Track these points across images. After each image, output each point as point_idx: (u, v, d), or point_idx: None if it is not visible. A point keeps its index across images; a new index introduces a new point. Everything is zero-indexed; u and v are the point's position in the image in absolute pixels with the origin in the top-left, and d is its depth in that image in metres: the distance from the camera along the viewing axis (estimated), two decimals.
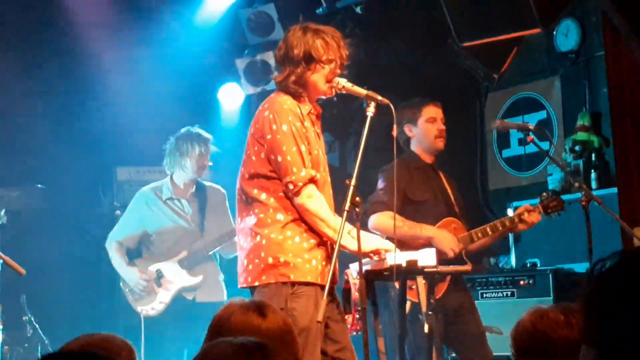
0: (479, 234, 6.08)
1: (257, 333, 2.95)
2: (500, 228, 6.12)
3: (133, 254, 7.82)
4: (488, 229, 6.10)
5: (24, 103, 8.74)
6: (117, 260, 7.72)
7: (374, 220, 5.91)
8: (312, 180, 4.81)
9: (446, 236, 5.98)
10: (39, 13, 8.97)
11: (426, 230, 5.94)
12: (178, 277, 7.64)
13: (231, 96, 9.73)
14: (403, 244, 5.52)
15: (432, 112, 6.29)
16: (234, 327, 3.08)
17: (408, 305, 5.56)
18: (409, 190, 6.10)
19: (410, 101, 6.34)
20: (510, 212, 7.77)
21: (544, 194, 6.33)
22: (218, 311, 3.22)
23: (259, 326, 3.06)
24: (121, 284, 7.81)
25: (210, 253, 7.61)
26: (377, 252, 4.91)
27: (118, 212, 8.71)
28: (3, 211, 7.46)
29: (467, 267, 5.75)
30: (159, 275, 7.63)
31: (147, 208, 7.76)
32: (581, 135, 7.89)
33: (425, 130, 6.26)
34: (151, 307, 7.64)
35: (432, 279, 5.17)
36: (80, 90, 9.09)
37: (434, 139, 6.25)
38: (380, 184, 6.10)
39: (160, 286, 7.64)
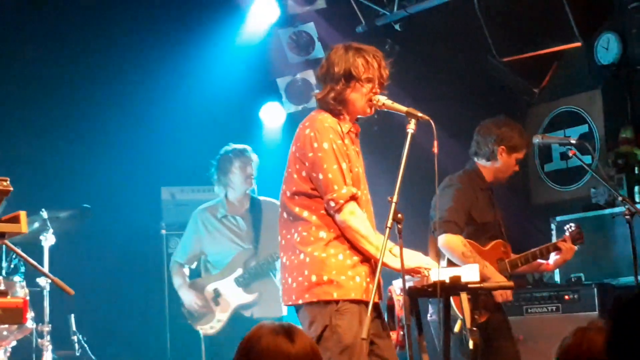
0: (522, 260, 6.09)
1: (285, 358, 2.96)
2: (539, 255, 6.15)
3: (194, 274, 7.94)
4: (530, 256, 6.14)
5: (70, 125, 8.83)
6: (177, 282, 7.89)
7: (445, 240, 5.86)
8: (354, 198, 4.79)
9: (498, 277, 5.94)
10: (83, 40, 9.06)
11: (487, 270, 5.87)
12: (234, 295, 7.69)
13: (273, 115, 9.76)
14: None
15: (524, 155, 6.31)
16: (262, 350, 3.09)
17: (459, 323, 5.54)
18: (475, 211, 6.08)
19: (519, 128, 6.32)
20: (553, 227, 7.76)
21: (571, 225, 6.30)
22: (248, 333, 3.23)
23: (288, 351, 3.06)
24: (182, 305, 7.90)
25: (265, 268, 7.62)
26: (418, 270, 4.89)
27: (163, 231, 8.80)
28: (51, 231, 7.54)
29: (510, 283, 5.72)
30: (216, 294, 7.70)
31: (203, 227, 7.85)
32: (624, 148, 7.84)
33: (510, 166, 6.25)
34: (210, 326, 7.73)
35: (476, 295, 5.12)
36: (125, 112, 9.14)
37: (507, 177, 6.30)
38: (448, 200, 6.03)
39: (217, 305, 7.72)
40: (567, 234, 6.24)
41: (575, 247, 6.20)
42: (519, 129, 6.31)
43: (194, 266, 7.91)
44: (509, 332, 6.09)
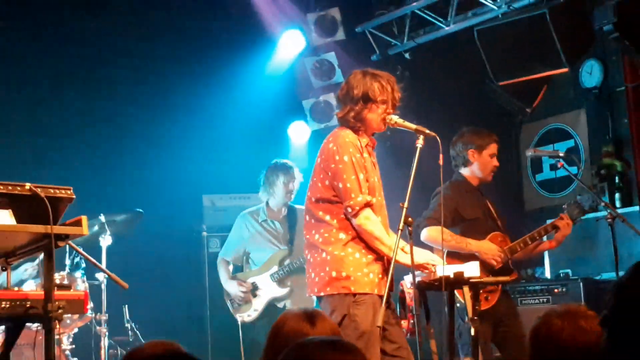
0: (521, 244, 6.02)
1: (304, 338, 2.95)
2: (537, 237, 6.06)
3: (237, 269, 7.94)
4: (528, 239, 6.05)
5: (125, 141, 8.88)
6: (222, 276, 7.90)
7: (425, 232, 5.85)
8: (368, 205, 4.83)
9: (490, 248, 5.91)
10: (145, 67, 9.11)
11: (471, 245, 5.88)
12: (269, 288, 7.71)
13: (299, 132, 9.77)
14: (452, 256, 5.50)
15: (495, 148, 6.23)
16: (287, 332, 3.10)
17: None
18: (461, 209, 6.04)
19: (480, 130, 6.27)
20: None
21: (565, 205, 6.25)
22: (278, 318, 3.24)
23: (308, 333, 3.06)
24: (225, 296, 7.92)
25: (298, 266, 7.59)
26: (426, 266, 4.90)
27: (204, 233, 8.82)
28: (108, 233, 7.56)
29: (513, 275, 5.71)
30: (255, 287, 7.73)
31: (246, 230, 7.87)
32: (606, 161, 7.80)
33: (486, 163, 6.19)
34: (247, 314, 7.76)
35: (477, 288, 5.10)
36: (173, 129, 9.19)
37: (489, 172, 6.21)
38: (434, 204, 6.03)
39: (255, 296, 7.75)
40: (565, 212, 6.17)
41: (570, 222, 6.11)
42: (479, 130, 6.28)
43: (236, 262, 7.92)
44: (516, 317, 6.03)
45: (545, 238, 6.29)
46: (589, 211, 6.22)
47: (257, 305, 7.72)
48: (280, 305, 7.69)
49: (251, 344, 7.66)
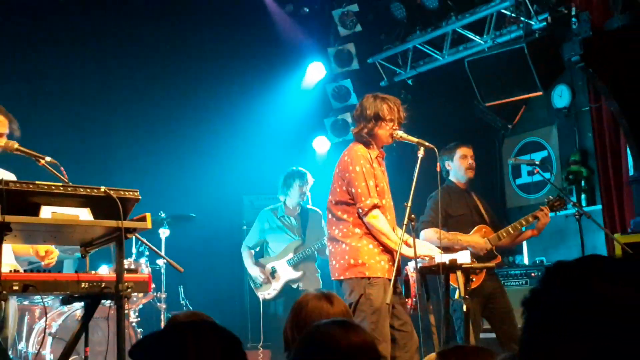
0: (504, 234, 5.97)
1: (326, 315, 2.96)
2: (518, 226, 6.02)
3: (258, 255, 7.94)
4: (510, 229, 5.99)
5: (180, 151, 8.90)
6: (246, 261, 7.90)
7: (423, 234, 5.87)
8: (376, 206, 4.85)
9: (477, 241, 5.90)
10: (196, 83, 9.12)
11: (461, 240, 5.87)
12: (286, 272, 7.70)
13: (321, 144, 9.78)
14: (447, 249, 5.49)
15: (463, 151, 6.21)
16: (309, 310, 3.10)
17: (457, 293, 5.50)
18: (450, 209, 6.03)
19: (449, 145, 6.27)
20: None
21: (549, 197, 6.21)
22: (299, 298, 3.24)
23: (328, 311, 3.07)
24: (248, 278, 7.95)
25: (309, 254, 7.61)
26: (426, 255, 4.91)
27: (244, 227, 8.83)
28: (167, 227, 7.60)
29: (497, 259, 5.68)
30: (273, 271, 7.72)
31: (267, 223, 7.88)
32: (573, 168, 7.77)
33: (458, 166, 6.19)
34: (267, 292, 7.76)
35: (468, 272, 5.09)
36: (218, 141, 9.20)
37: (465, 171, 6.18)
38: (429, 207, 6.04)
39: (273, 278, 7.74)
40: (545, 204, 6.11)
41: (548, 213, 6.05)
42: (448, 145, 6.25)
43: (257, 250, 7.93)
44: (502, 294, 5.97)
45: (526, 228, 6.23)
46: (564, 204, 6.16)
47: (276, 286, 7.72)
48: (294, 285, 7.69)
49: (271, 317, 7.82)
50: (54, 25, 8.31)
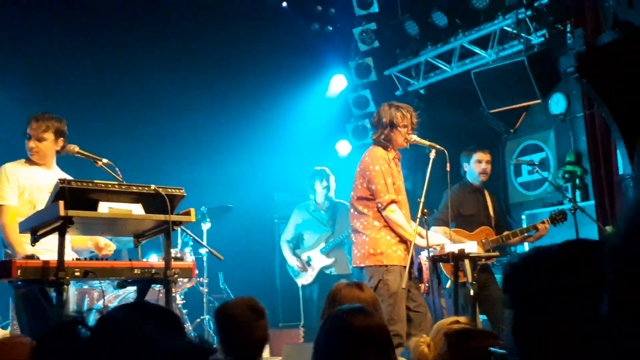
0: (504, 238, 5.89)
1: (357, 300, 2.99)
2: (519, 233, 5.94)
3: (295, 247, 7.94)
4: (510, 234, 5.90)
5: (221, 154, 8.92)
6: (285, 253, 7.93)
7: (432, 230, 5.82)
8: (393, 201, 4.86)
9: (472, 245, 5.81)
10: (237, 91, 9.16)
11: (463, 241, 5.81)
12: (319, 260, 7.73)
13: (343, 147, 9.76)
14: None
15: (479, 156, 6.15)
16: (343, 295, 3.12)
17: (450, 282, 5.46)
18: (461, 208, 5.99)
19: (469, 147, 6.22)
20: (523, 217, 7.62)
21: (552, 211, 6.08)
22: (333, 286, 3.26)
23: (359, 296, 3.09)
24: (287, 266, 7.97)
25: (339, 243, 7.63)
26: (437, 245, 4.90)
27: (276, 220, 8.86)
28: (208, 220, 7.63)
29: (496, 254, 5.64)
30: (309, 259, 7.76)
31: (300, 218, 7.90)
32: (569, 167, 7.69)
33: (473, 169, 6.14)
34: (304, 279, 7.81)
35: (475, 261, 5.07)
36: (255, 142, 9.23)
37: (478, 175, 6.13)
38: (443, 202, 5.98)
39: (309, 266, 7.77)
40: (547, 217, 6.02)
41: (548, 226, 5.97)
42: (468, 148, 6.20)
43: (294, 242, 7.95)
44: (494, 284, 5.92)
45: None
46: (564, 218, 6.06)
47: (312, 273, 7.75)
48: (327, 271, 7.71)
49: (307, 300, 7.77)
50: (106, 37, 8.33)
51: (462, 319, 2.81)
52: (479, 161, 6.13)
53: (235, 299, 3.31)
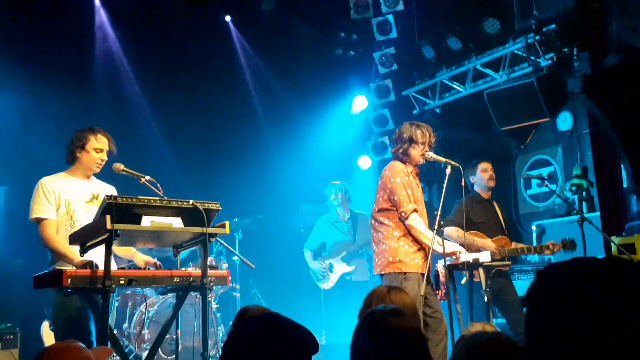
0: (519, 249, 5.83)
1: (404, 304, 2.99)
2: (532, 249, 5.87)
3: (317, 255, 7.95)
4: (525, 249, 5.83)
5: (253, 170, 8.97)
6: (309, 259, 7.93)
7: (446, 231, 5.79)
8: (415, 210, 4.82)
9: (489, 244, 5.74)
10: (271, 112, 9.23)
11: (477, 241, 5.77)
12: (340, 267, 7.71)
13: (364, 162, 9.76)
14: (467, 248, 5.42)
15: (483, 166, 6.14)
16: (379, 300, 3.12)
17: (464, 279, 5.40)
18: (472, 215, 5.95)
19: (471, 162, 6.21)
20: (533, 228, 7.54)
21: (564, 238, 5.98)
22: (370, 291, 3.26)
23: (406, 301, 3.10)
24: (310, 272, 7.96)
25: (359, 251, 7.60)
26: (453, 253, 4.85)
27: (302, 230, 8.87)
28: (240, 230, 7.68)
29: (508, 262, 5.59)
30: (330, 266, 7.75)
31: (323, 228, 7.91)
32: (576, 180, 7.61)
33: (480, 179, 6.12)
34: (327, 284, 7.78)
35: (488, 269, 5.03)
36: (283, 158, 9.28)
37: (487, 181, 6.10)
38: (454, 210, 5.97)
39: (331, 272, 7.75)
40: (560, 242, 5.91)
41: (558, 249, 5.87)
42: (471, 164, 6.16)
43: (317, 250, 7.96)
44: (512, 288, 5.87)
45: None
46: (574, 247, 5.98)
47: (333, 278, 7.73)
48: (347, 277, 7.69)
49: (329, 306, 7.80)
50: (142, 51, 8.40)
51: (487, 326, 2.80)
52: (485, 170, 6.13)
53: (251, 306, 3.33)
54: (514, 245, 5.90)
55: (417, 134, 4.95)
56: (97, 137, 4.43)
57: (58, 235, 4.17)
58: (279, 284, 8.36)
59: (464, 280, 5.59)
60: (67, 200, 4.32)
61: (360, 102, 9.66)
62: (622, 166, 6.60)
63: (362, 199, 7.85)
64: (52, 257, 4.23)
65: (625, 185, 6.58)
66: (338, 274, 7.70)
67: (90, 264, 3.68)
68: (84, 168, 4.45)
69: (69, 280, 3.50)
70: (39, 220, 4.23)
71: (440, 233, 4.74)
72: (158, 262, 4.26)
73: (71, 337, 3.31)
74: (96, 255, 3.83)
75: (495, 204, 6.21)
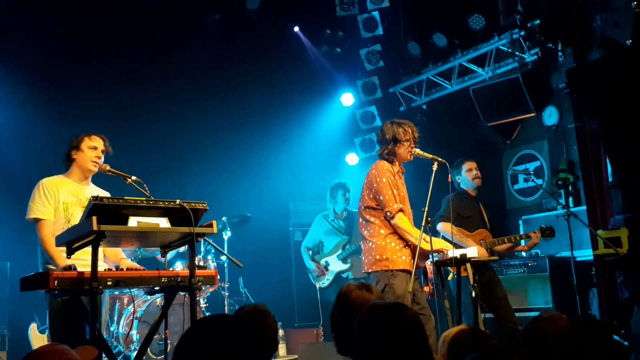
0: (499, 241, 5.90)
1: (367, 301, 2.95)
2: (512, 239, 5.93)
3: (315, 252, 7.97)
4: (506, 239, 5.91)
5: (240, 169, 8.97)
6: (305, 258, 7.96)
7: (440, 226, 5.83)
8: (400, 210, 4.83)
9: (479, 249, 5.78)
10: (256, 113, 9.19)
11: (468, 240, 5.81)
12: (336, 265, 7.75)
13: (352, 159, 9.77)
14: (457, 245, 5.44)
15: (468, 165, 6.17)
16: (353, 297, 3.08)
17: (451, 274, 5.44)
18: (460, 210, 5.98)
19: (455, 162, 6.23)
20: (520, 222, 7.59)
21: (543, 226, 6.07)
22: (342, 288, 3.21)
23: (369, 298, 3.05)
24: (307, 271, 7.97)
25: (355, 249, 7.62)
26: (441, 250, 4.86)
27: (291, 228, 8.87)
28: (228, 229, 7.65)
29: (495, 257, 5.61)
30: (327, 264, 7.78)
31: (320, 226, 7.93)
32: (562, 175, 7.67)
33: (466, 177, 6.15)
34: (322, 282, 7.82)
35: (476, 265, 5.04)
36: (270, 156, 9.27)
37: (472, 180, 6.13)
38: (444, 206, 5.99)
39: (327, 271, 7.78)
40: (538, 228, 6.03)
41: (540, 236, 5.97)
42: (455, 163, 6.17)
43: (314, 248, 7.97)
44: (499, 283, 5.91)
45: (523, 242, 6.15)
46: (553, 234, 6.05)
47: (329, 277, 7.76)
48: (344, 275, 7.72)
49: (325, 302, 7.75)
50: (130, 58, 8.35)
51: (464, 327, 2.82)
52: (470, 169, 6.15)
53: (245, 306, 3.33)
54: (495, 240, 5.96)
55: (399, 133, 4.95)
56: (91, 137, 4.51)
57: (53, 237, 4.16)
58: (268, 282, 8.35)
59: (450, 276, 5.62)
60: (66, 202, 4.37)
61: (347, 99, 9.67)
62: (608, 160, 6.65)
63: (351, 195, 7.87)
64: (46, 258, 4.24)
65: (610, 179, 6.63)
66: (334, 272, 7.75)
67: (69, 268, 3.66)
68: (81, 169, 4.50)
69: (56, 282, 3.48)
70: (36, 220, 4.27)
71: (427, 230, 4.75)
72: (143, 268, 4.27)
73: (68, 339, 3.31)
74: (85, 257, 3.83)
75: (480, 204, 6.25)
